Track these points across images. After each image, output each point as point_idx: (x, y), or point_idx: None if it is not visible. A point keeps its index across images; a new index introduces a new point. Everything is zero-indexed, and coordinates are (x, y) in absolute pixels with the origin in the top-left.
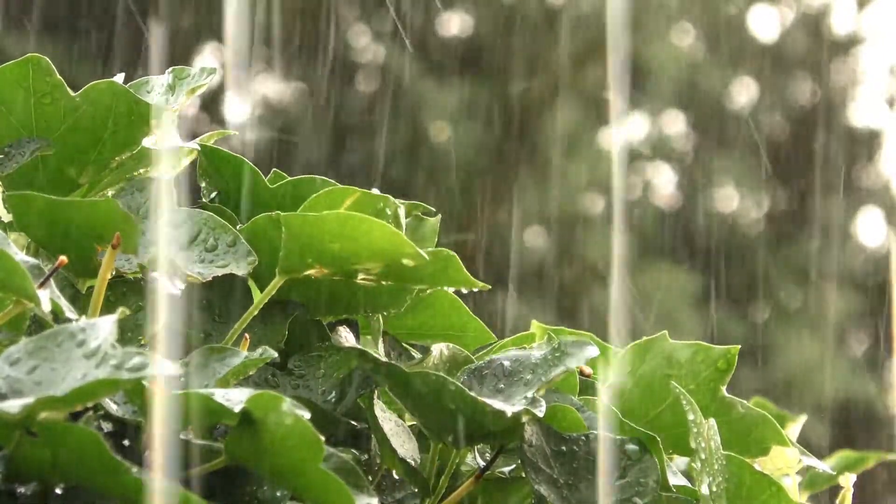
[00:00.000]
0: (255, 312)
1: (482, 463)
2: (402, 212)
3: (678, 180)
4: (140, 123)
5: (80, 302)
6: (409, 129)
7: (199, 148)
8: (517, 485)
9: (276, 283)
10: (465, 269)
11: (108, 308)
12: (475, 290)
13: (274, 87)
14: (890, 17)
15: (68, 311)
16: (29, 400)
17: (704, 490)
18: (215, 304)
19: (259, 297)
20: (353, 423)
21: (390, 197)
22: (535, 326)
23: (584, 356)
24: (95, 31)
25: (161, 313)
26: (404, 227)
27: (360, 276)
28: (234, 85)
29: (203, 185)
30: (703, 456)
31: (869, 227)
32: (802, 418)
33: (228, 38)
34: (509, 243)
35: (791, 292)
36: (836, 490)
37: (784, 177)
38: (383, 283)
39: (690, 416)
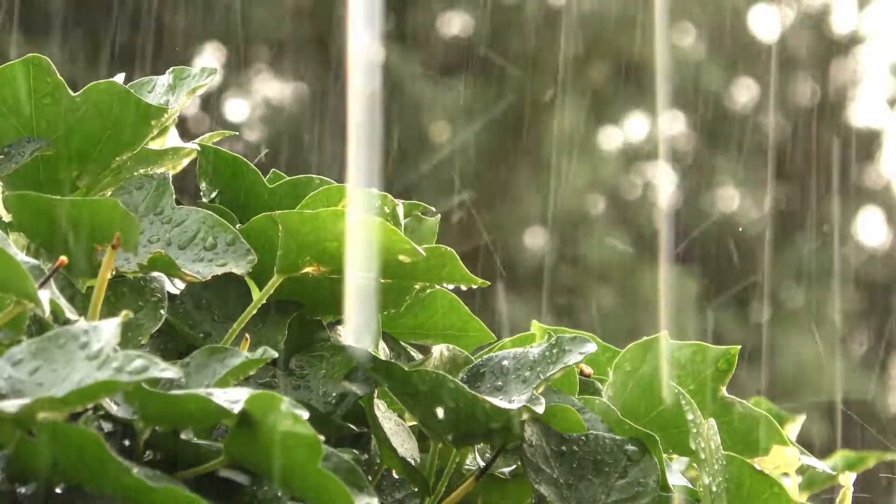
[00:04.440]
0: (254, 311)
1: (482, 463)
2: (400, 210)
3: (678, 180)
4: (140, 124)
5: (80, 302)
6: (409, 129)
7: (199, 148)
8: (517, 485)
9: (275, 281)
10: (463, 266)
11: (108, 308)
12: (474, 287)
13: (274, 87)
14: (890, 17)
15: (68, 311)
16: (28, 400)
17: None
18: (215, 303)
19: (258, 297)
20: (353, 424)
21: (388, 195)
22: (536, 327)
23: (583, 352)
24: (95, 31)
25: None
26: (402, 225)
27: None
28: (233, 85)
29: (203, 185)
30: (702, 456)
31: (869, 227)
32: (802, 418)
33: (229, 38)
34: (509, 243)
35: (791, 292)
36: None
37: (784, 177)
38: (381, 280)
39: (690, 416)
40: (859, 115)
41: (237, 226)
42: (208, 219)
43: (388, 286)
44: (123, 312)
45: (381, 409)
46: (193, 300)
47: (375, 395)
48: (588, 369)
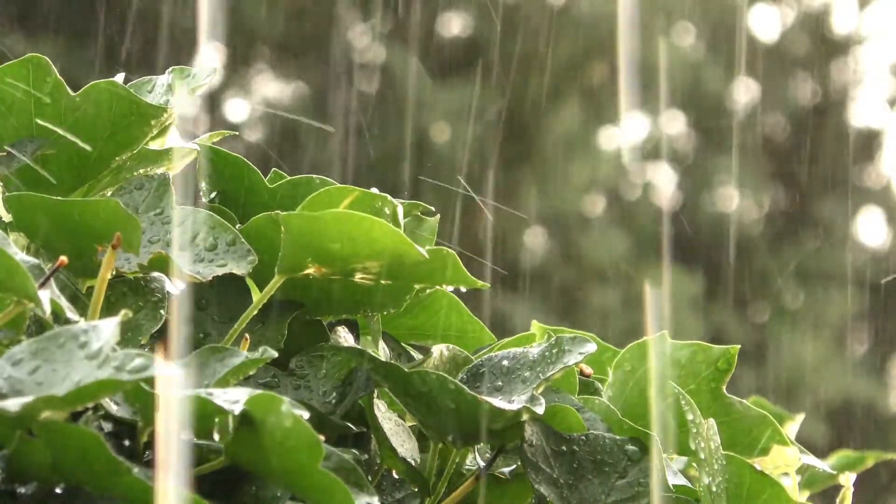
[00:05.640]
0: (255, 312)
1: (482, 463)
2: (400, 211)
3: (678, 180)
4: (140, 123)
5: (81, 302)
6: (409, 129)
7: (199, 148)
8: (517, 485)
9: (276, 282)
10: (464, 268)
11: (108, 308)
12: (475, 289)
13: (274, 87)
14: (890, 17)
15: (69, 311)
16: (29, 399)
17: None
18: (215, 303)
19: (258, 297)
20: (352, 424)
21: (389, 196)
22: (536, 327)
23: (583, 352)
24: (95, 31)
25: (161, 313)
26: (403, 226)
27: (359, 275)
28: (234, 85)
29: (203, 185)
30: (702, 456)
31: (869, 227)
32: (801, 417)
33: (229, 38)
34: (509, 243)
35: (791, 292)
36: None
37: (784, 177)
38: (382, 282)
39: (690, 416)
40: (859, 115)
41: (237, 226)
42: (209, 219)
43: (388, 286)
44: (122, 311)
45: (381, 409)
46: (193, 300)
47: (375, 395)
48: (588, 369)
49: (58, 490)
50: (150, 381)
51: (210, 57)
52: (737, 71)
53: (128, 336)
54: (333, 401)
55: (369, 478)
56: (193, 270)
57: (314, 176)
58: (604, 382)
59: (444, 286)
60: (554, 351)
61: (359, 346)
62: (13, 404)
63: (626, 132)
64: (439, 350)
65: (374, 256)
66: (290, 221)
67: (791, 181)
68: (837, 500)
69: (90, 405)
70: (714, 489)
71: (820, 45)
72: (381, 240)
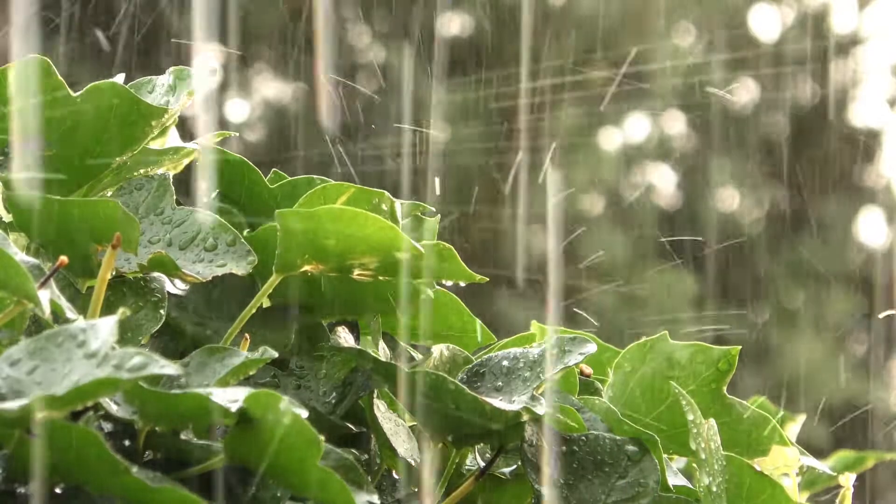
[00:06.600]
0: (253, 311)
1: (482, 463)
2: (398, 207)
3: (678, 180)
4: (141, 124)
5: (80, 302)
6: (408, 129)
7: (200, 148)
8: (517, 485)
9: (273, 281)
10: (461, 262)
11: (108, 308)
12: (473, 284)
13: (274, 87)
14: (890, 17)
15: (68, 311)
16: (27, 399)
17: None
18: (224, 301)
19: (257, 296)
20: (352, 424)
21: (386, 192)
22: (535, 327)
23: (583, 353)
24: (95, 31)
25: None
26: (401, 222)
27: (357, 271)
28: (233, 85)
29: (203, 185)
30: (702, 456)
31: (869, 227)
32: (802, 418)
33: (228, 39)
34: (508, 243)
35: (791, 292)
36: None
37: (784, 177)
38: (380, 278)
39: (690, 417)
40: (859, 115)
41: (244, 232)
42: (208, 219)
43: (387, 283)
44: (121, 310)
45: (381, 409)
46: (203, 297)
47: (375, 395)
48: (588, 369)
49: (58, 490)
50: (149, 380)
51: (210, 57)
52: (737, 71)
53: (128, 336)
54: (333, 401)
55: (369, 478)
56: (193, 271)
57: (314, 176)
58: (604, 382)
59: (443, 281)
60: (555, 351)
61: (359, 346)
62: (12, 405)
63: (626, 132)
64: (439, 350)
65: (369, 252)
66: (286, 219)
67: (791, 181)
68: (837, 501)
69: (90, 405)
70: (714, 489)
71: (820, 45)
72: (375, 235)
